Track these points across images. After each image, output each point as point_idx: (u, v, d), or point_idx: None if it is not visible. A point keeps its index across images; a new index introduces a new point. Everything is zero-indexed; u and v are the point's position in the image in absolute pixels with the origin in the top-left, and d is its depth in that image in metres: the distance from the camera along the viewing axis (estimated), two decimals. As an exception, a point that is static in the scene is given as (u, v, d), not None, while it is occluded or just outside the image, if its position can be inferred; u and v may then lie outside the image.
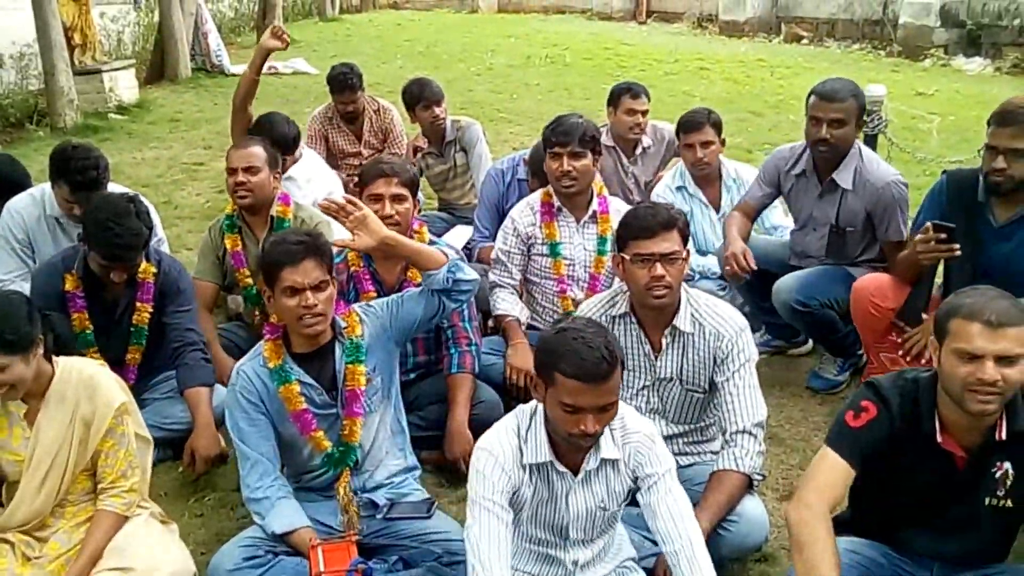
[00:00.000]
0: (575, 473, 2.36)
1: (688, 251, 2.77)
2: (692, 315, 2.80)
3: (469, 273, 2.88)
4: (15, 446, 2.67)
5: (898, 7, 12.79)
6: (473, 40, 14.48)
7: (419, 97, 5.35)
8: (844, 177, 3.76)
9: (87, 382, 2.69)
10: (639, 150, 5.07)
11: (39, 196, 3.99)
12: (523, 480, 2.35)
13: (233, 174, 3.80)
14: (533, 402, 2.37)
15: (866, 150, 3.87)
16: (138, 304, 3.45)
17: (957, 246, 3.20)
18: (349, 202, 2.78)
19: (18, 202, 4.02)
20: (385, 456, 2.91)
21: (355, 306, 2.91)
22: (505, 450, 2.33)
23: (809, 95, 3.77)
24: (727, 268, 3.78)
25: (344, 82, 5.68)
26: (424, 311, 2.88)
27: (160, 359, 3.56)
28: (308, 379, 2.75)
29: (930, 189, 3.55)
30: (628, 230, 2.76)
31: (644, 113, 4.95)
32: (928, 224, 3.25)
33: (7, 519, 2.66)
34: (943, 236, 3.20)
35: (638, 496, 2.41)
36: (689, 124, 4.45)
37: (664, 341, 2.83)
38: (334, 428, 2.80)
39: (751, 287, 4.04)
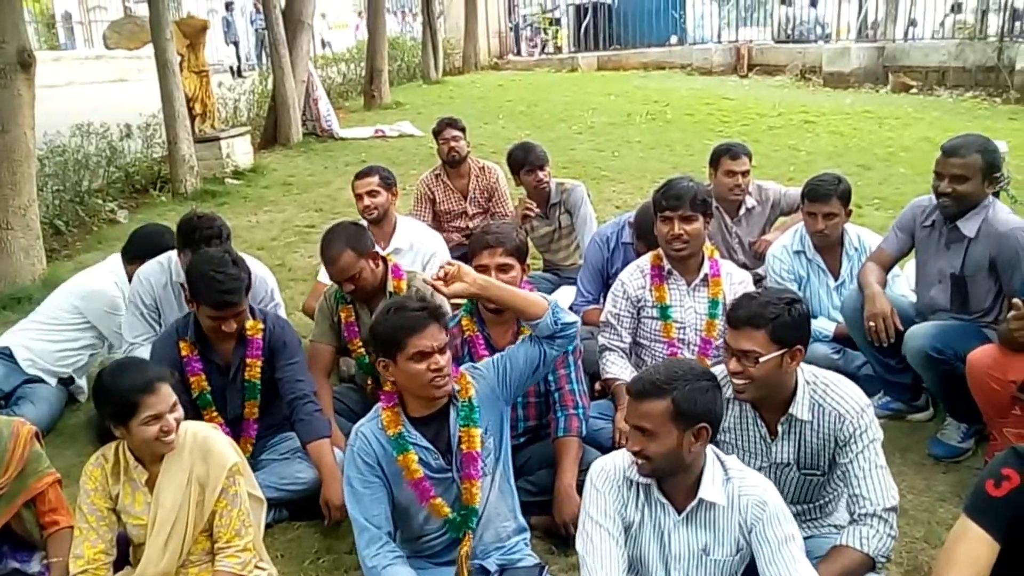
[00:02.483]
0: (679, 511, 2.40)
1: (798, 351, 2.66)
2: (811, 399, 2.71)
3: (569, 315, 2.90)
4: (138, 511, 2.77)
5: (1014, 52, 12.36)
6: (574, 99, 14.62)
7: (523, 162, 5.46)
8: (969, 226, 3.70)
9: (201, 445, 2.80)
10: (743, 211, 5.02)
11: (166, 263, 4.21)
12: (630, 498, 2.43)
13: (340, 286, 3.87)
14: None
15: (999, 204, 3.77)
16: (248, 360, 3.57)
17: None
18: (443, 272, 2.84)
19: (147, 269, 4.25)
20: (496, 517, 2.92)
21: (463, 368, 2.94)
22: (617, 466, 2.46)
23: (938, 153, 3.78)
24: (870, 324, 3.71)
25: (447, 120, 6.09)
26: (525, 363, 2.89)
27: (276, 416, 3.66)
28: (425, 443, 2.78)
29: None
30: (727, 315, 2.78)
31: (745, 174, 4.91)
32: (1017, 301, 3.17)
33: None
34: None
35: (760, 565, 2.36)
36: (815, 194, 4.26)
37: (780, 428, 2.75)
38: (449, 492, 2.81)
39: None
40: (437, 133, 6.11)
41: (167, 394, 2.69)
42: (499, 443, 2.92)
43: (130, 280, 4.47)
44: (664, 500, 2.39)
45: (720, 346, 2.77)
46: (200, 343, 3.54)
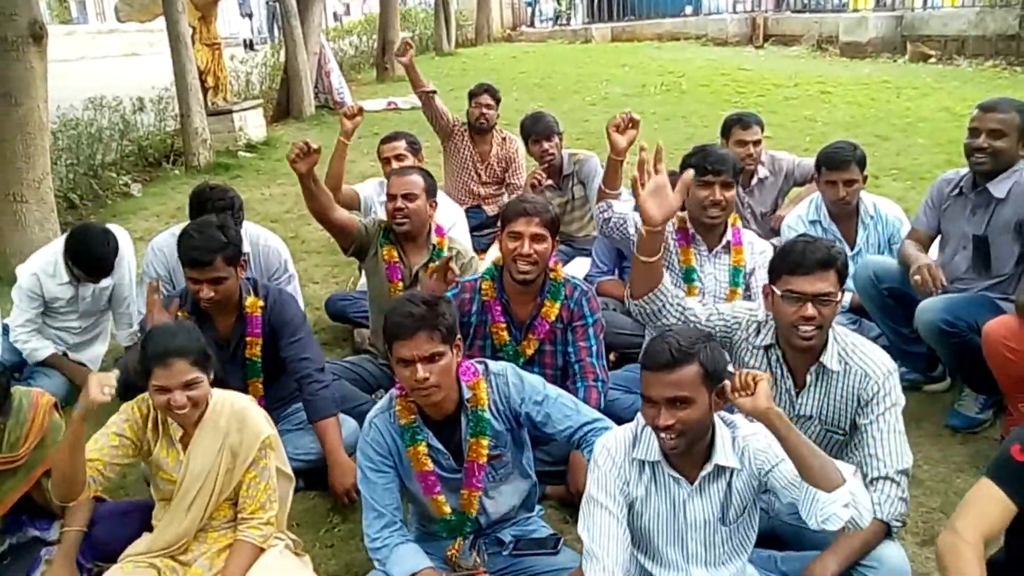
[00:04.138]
0: (691, 481, 2.38)
1: (844, 291, 2.68)
2: (839, 353, 2.71)
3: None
4: (170, 467, 2.81)
5: (1035, 21, 12.17)
6: (587, 70, 14.50)
7: (530, 132, 5.46)
8: (999, 188, 3.67)
9: (238, 414, 2.82)
10: (755, 181, 4.98)
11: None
12: (633, 476, 2.40)
13: (392, 200, 3.91)
14: None
15: None
16: (248, 339, 3.53)
17: None
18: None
19: (160, 240, 4.26)
20: (516, 516, 2.92)
21: (528, 380, 2.80)
22: (619, 443, 2.43)
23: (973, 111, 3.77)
24: (916, 278, 3.66)
25: (486, 86, 6.14)
26: (557, 434, 2.80)
27: (288, 388, 3.65)
28: (436, 443, 2.73)
29: None
30: (783, 263, 2.68)
31: (756, 144, 4.86)
32: None
33: (155, 539, 2.81)
34: None
35: (778, 492, 2.36)
36: (833, 161, 4.21)
37: (808, 378, 2.75)
38: (457, 492, 2.79)
39: (890, 312, 3.94)
40: (473, 95, 6.15)
41: (181, 371, 2.65)
42: (519, 454, 2.87)
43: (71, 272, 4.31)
44: (675, 474, 2.38)
45: (773, 294, 2.69)
46: (197, 314, 3.49)
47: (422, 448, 2.71)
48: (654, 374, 2.26)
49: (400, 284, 3.94)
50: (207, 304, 3.41)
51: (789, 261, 2.66)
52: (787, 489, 2.31)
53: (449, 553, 2.80)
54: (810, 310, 2.59)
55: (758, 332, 2.83)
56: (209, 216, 3.52)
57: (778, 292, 2.66)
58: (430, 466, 2.73)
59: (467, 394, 2.71)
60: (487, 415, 2.72)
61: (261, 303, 3.53)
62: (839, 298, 2.64)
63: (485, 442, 2.72)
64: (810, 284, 2.60)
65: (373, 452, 2.74)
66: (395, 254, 3.99)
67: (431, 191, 3.96)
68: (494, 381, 2.76)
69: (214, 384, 2.85)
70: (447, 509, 2.78)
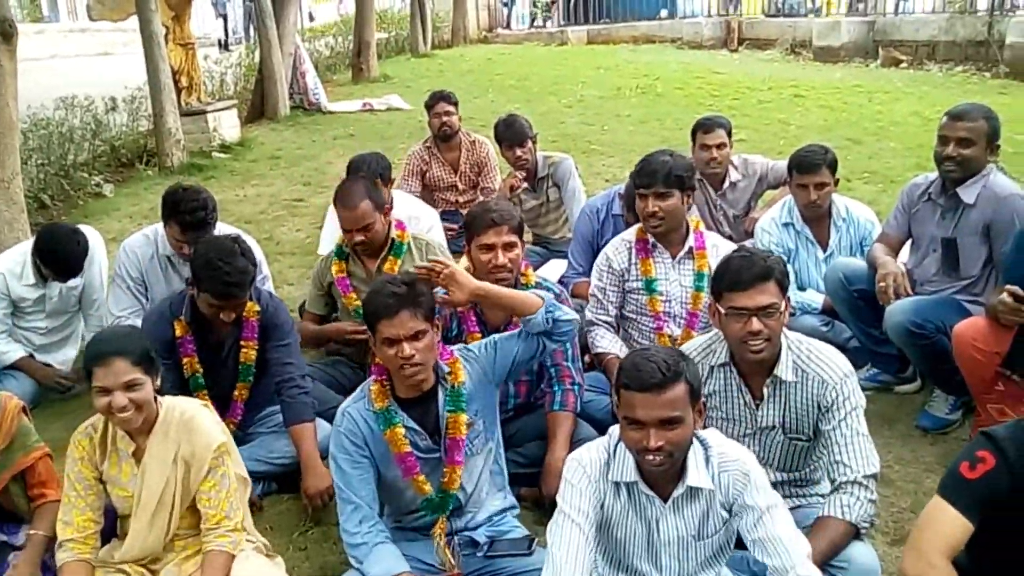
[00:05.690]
0: (664, 499, 2.36)
1: (788, 299, 2.69)
2: (794, 362, 2.71)
3: (568, 312, 2.88)
4: (125, 482, 2.74)
5: (1004, 27, 12.32)
6: (563, 72, 14.54)
7: (503, 138, 5.45)
8: (968, 193, 3.71)
9: (188, 423, 2.74)
10: (727, 184, 5.01)
11: (152, 236, 4.17)
12: (608, 494, 2.38)
13: (350, 235, 3.87)
14: None
15: (1000, 175, 3.78)
16: (243, 343, 3.51)
17: None
18: (435, 263, 2.88)
19: (132, 242, 4.22)
20: (486, 497, 2.92)
21: (455, 349, 2.89)
22: (593, 461, 2.39)
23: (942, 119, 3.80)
24: (881, 285, 3.73)
25: (440, 94, 6.06)
26: (523, 351, 2.88)
27: (264, 393, 3.63)
28: (412, 423, 2.76)
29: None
30: (722, 281, 2.68)
31: (719, 147, 4.90)
32: (1009, 288, 3.21)
33: (124, 554, 2.74)
34: None
35: (744, 531, 2.35)
36: (804, 165, 4.26)
37: (766, 391, 2.74)
38: (436, 472, 2.80)
39: (860, 314, 3.97)
40: (430, 106, 6.08)
41: (120, 370, 2.57)
42: (491, 424, 2.91)
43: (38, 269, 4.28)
44: (650, 492, 2.37)
45: (719, 313, 2.70)
46: (195, 323, 3.45)
47: (399, 430, 2.73)
48: (644, 395, 2.21)
49: (354, 296, 3.91)
50: (223, 323, 3.39)
51: (727, 279, 2.66)
52: (755, 544, 2.31)
53: (436, 532, 2.82)
54: (756, 324, 2.59)
55: (710, 352, 2.81)
56: (224, 240, 3.39)
57: (722, 311, 2.67)
58: (407, 448, 2.75)
59: (445, 370, 2.78)
60: (464, 390, 2.77)
61: (257, 308, 3.52)
62: (783, 308, 2.63)
63: (463, 417, 2.76)
64: (751, 299, 2.60)
65: (348, 442, 2.75)
66: (343, 267, 3.97)
67: (380, 205, 3.92)
68: (460, 357, 2.85)
69: (185, 392, 2.82)
70: (428, 489, 2.79)
